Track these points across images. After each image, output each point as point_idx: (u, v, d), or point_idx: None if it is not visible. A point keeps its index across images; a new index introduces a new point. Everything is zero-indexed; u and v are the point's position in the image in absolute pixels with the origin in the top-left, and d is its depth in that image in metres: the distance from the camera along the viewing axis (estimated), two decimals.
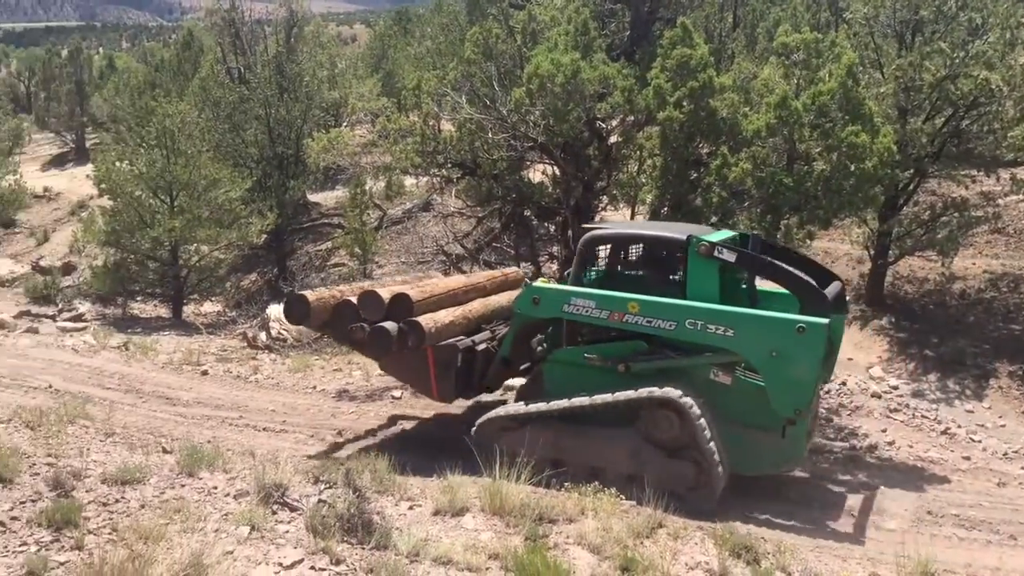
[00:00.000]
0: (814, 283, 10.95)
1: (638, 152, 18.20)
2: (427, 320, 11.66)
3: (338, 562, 8.09)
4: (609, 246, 12.35)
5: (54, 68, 63.71)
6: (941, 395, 18.02)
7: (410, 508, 9.80)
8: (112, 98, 48.20)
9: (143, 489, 9.68)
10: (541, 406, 11.27)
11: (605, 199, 19.54)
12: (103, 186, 26.62)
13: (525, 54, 18.43)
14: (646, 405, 10.69)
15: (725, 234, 12.06)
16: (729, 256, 10.77)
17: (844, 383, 18.04)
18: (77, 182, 44.88)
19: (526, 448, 10.42)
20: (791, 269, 11.08)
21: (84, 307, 26.10)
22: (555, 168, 19.48)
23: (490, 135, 18.39)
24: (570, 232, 19.92)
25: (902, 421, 16.96)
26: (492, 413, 11.76)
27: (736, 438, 10.76)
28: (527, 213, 20.22)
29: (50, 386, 17.17)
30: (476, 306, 13.02)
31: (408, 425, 15.43)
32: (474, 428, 11.75)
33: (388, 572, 7.88)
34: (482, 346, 12.39)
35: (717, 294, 10.85)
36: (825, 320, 10.33)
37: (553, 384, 11.48)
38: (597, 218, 18.13)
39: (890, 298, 21.43)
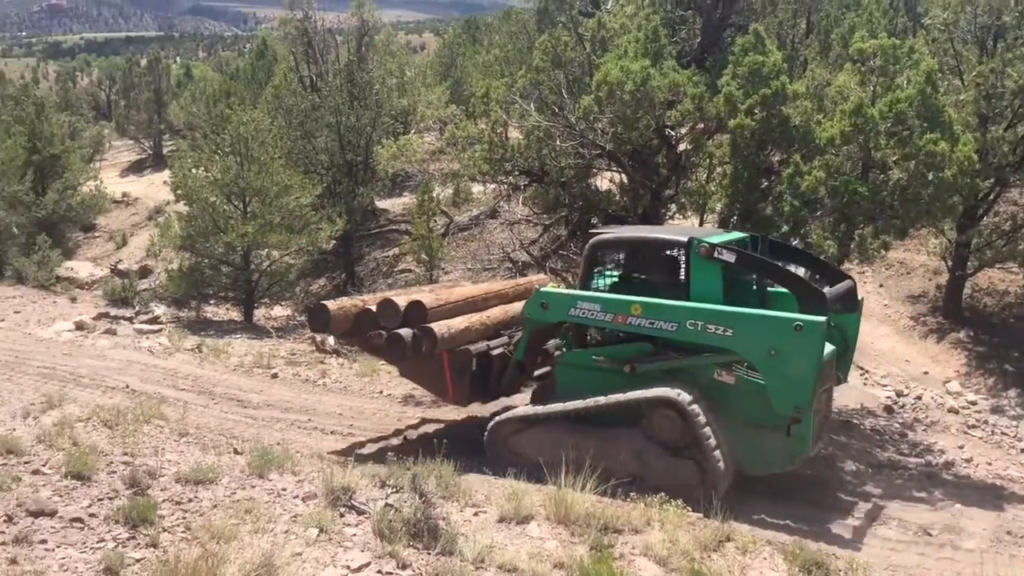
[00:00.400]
0: (810, 282, 11.31)
1: (707, 160, 18.00)
2: (440, 326, 11.86)
3: (404, 566, 8.14)
4: (616, 250, 12.45)
5: (133, 77, 65.65)
6: (1021, 411, 17.43)
7: (475, 514, 9.82)
8: (188, 106, 49.45)
9: (215, 489, 9.87)
10: (547, 408, 11.55)
11: (673, 207, 19.37)
12: (179, 192, 27.28)
13: (594, 61, 18.39)
14: (648, 405, 10.82)
15: (731, 235, 12.14)
16: (728, 257, 10.88)
17: (919, 397, 17.58)
18: (154, 188, 46.20)
19: (534, 449, 10.94)
20: (788, 269, 11.38)
21: (160, 310, 26.77)
22: (623, 176, 19.40)
23: (558, 142, 18.38)
24: None
25: (980, 438, 16.46)
26: (502, 416, 11.97)
27: (742, 437, 10.76)
28: (594, 221, 20.14)
29: (127, 386, 17.61)
30: (495, 312, 13.13)
31: (470, 431, 15.46)
32: (486, 432, 11.98)
33: None
34: (498, 351, 12.60)
35: (720, 295, 10.93)
36: (822, 318, 10.27)
37: (564, 386, 11.70)
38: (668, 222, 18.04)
39: (968, 311, 20.82)
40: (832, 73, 19.08)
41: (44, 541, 7.92)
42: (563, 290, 12.47)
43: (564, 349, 12.47)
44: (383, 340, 11.96)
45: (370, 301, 12.63)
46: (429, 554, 8.47)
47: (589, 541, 8.92)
